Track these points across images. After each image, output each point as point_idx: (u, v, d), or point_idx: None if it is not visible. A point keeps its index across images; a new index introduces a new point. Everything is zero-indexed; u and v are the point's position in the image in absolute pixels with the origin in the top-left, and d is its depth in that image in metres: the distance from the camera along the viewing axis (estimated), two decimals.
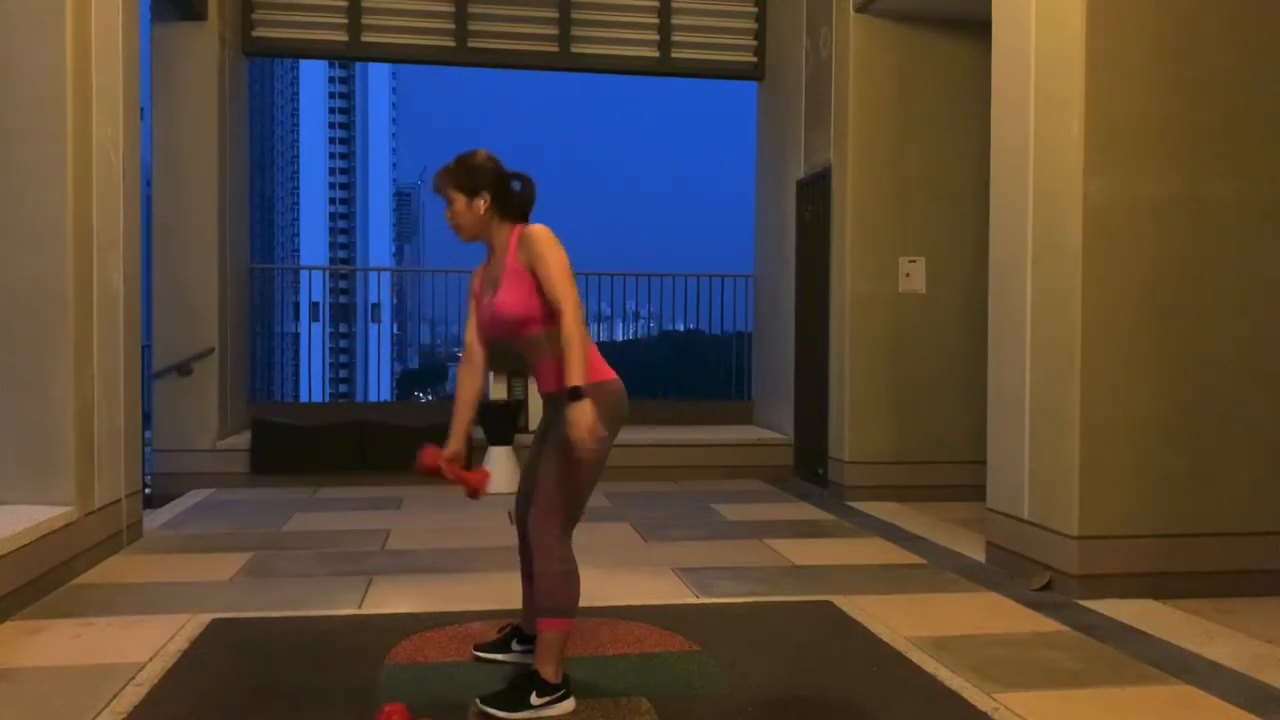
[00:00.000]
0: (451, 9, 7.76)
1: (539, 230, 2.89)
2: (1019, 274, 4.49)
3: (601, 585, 4.17)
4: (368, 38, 7.69)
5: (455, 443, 3.06)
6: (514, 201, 2.98)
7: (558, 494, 2.86)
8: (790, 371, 7.57)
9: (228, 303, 7.20)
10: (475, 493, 3.01)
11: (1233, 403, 4.20)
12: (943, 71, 6.51)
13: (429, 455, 2.99)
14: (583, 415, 2.69)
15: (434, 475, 3.01)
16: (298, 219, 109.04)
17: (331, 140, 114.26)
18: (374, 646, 3.36)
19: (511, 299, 2.87)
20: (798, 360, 7.45)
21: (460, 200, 2.94)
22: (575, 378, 2.73)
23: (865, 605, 3.94)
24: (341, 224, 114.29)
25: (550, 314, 2.84)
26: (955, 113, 6.46)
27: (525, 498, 3.07)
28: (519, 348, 2.97)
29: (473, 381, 3.13)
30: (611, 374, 2.95)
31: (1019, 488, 4.48)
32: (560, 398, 2.81)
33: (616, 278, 8.83)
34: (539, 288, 2.84)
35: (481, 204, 2.93)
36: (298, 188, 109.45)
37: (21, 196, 4.24)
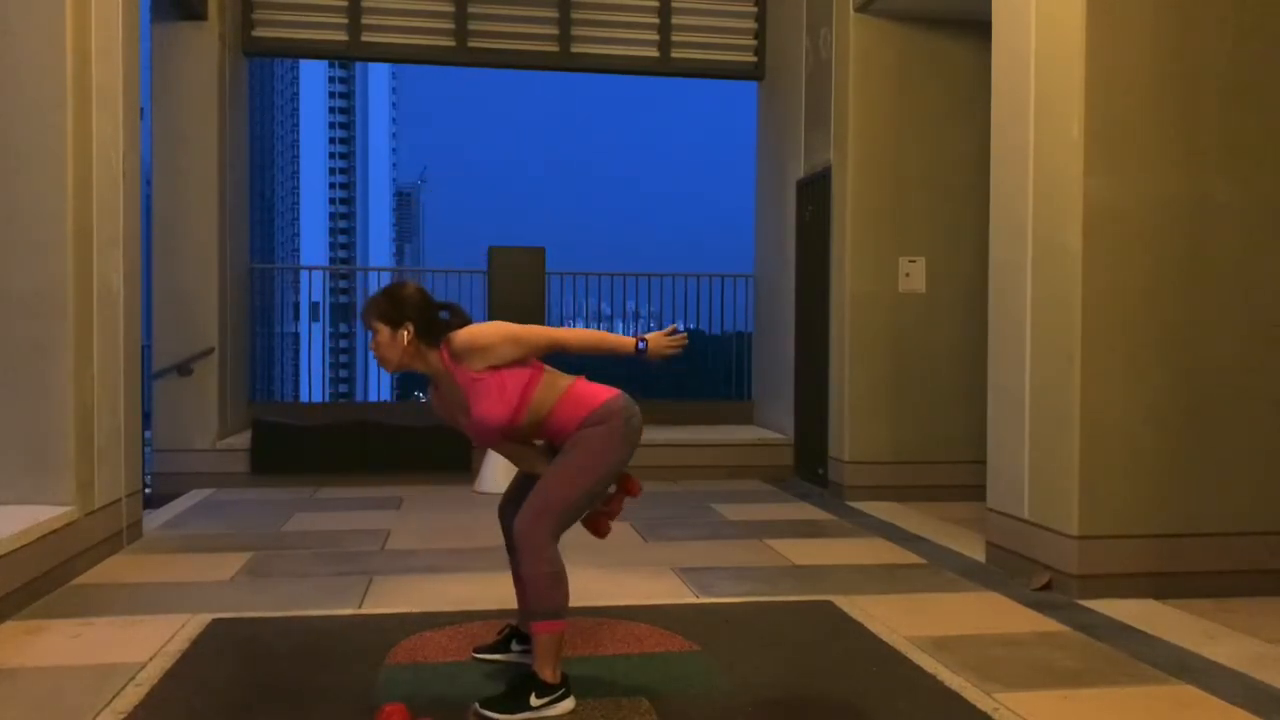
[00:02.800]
0: (451, 9, 7.76)
1: (464, 334, 2.87)
2: (1019, 274, 4.49)
3: (601, 585, 4.18)
4: (368, 38, 7.69)
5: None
6: (440, 330, 2.95)
7: (559, 498, 2.86)
8: (790, 371, 7.57)
9: (228, 303, 7.20)
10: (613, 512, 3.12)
11: (1233, 403, 4.20)
12: (943, 71, 6.51)
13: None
14: (659, 344, 2.97)
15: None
16: (298, 219, 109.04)
17: (331, 140, 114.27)
18: (374, 646, 3.36)
19: (489, 407, 2.87)
20: (798, 360, 7.45)
21: (384, 332, 2.93)
22: (621, 343, 2.96)
23: (865, 605, 3.94)
24: (341, 224, 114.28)
25: (526, 388, 2.87)
26: (955, 113, 6.46)
27: (513, 504, 3.07)
28: (523, 435, 3.00)
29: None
30: (609, 393, 2.96)
31: (1019, 488, 4.48)
32: (584, 424, 2.89)
33: (616, 278, 8.84)
34: (505, 375, 2.86)
35: (405, 335, 2.91)
36: (298, 188, 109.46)
37: (21, 196, 4.24)
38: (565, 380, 2.96)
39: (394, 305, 2.93)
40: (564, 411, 2.91)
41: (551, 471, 2.91)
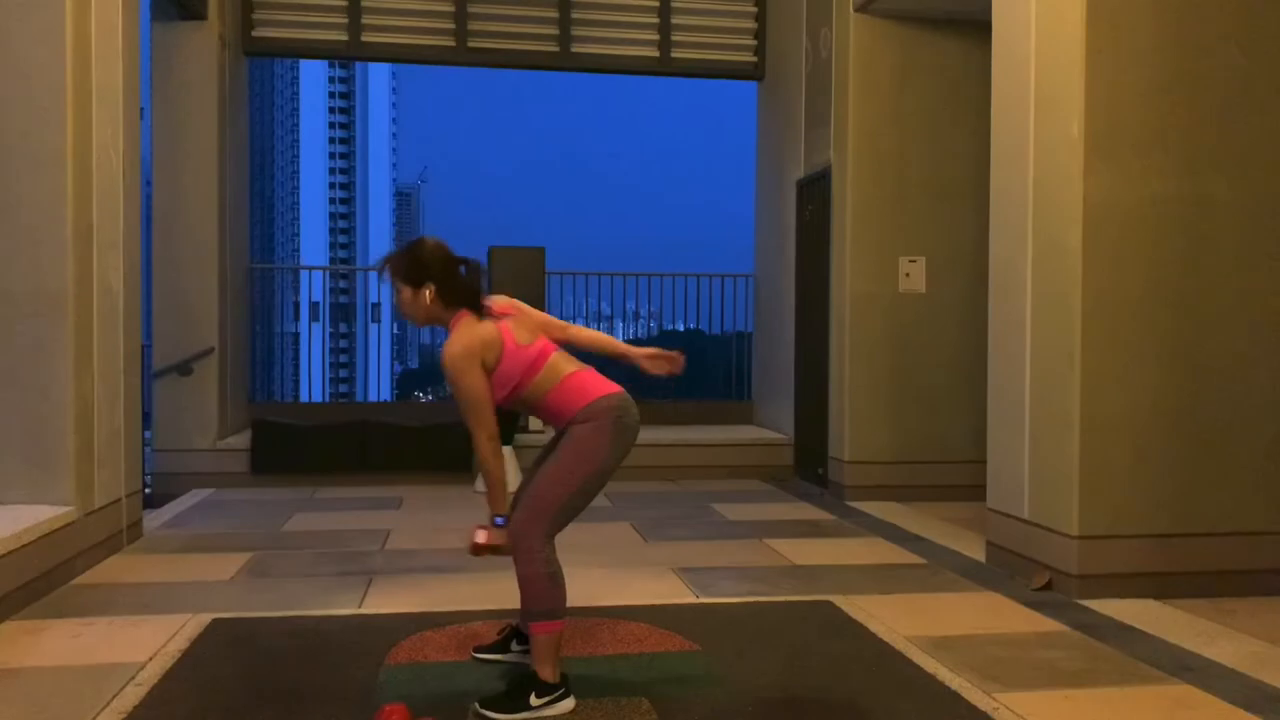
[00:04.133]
0: (451, 9, 7.76)
1: (447, 355, 2.85)
2: (1019, 274, 4.49)
3: (601, 585, 4.18)
4: (368, 38, 7.69)
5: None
6: (460, 288, 2.96)
7: (551, 498, 2.87)
8: (790, 371, 7.57)
9: (228, 303, 7.20)
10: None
11: (1233, 403, 4.20)
12: (943, 71, 6.51)
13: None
14: (495, 539, 2.87)
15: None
16: (298, 219, 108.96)
17: (331, 140, 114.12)
18: (374, 646, 3.37)
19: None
20: (798, 360, 7.45)
21: (406, 291, 2.97)
22: (495, 506, 2.87)
23: (865, 605, 3.94)
24: (341, 224, 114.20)
25: (526, 373, 2.89)
26: (955, 113, 6.46)
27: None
28: (526, 409, 3.03)
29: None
30: (609, 389, 2.94)
31: (1019, 488, 4.48)
32: (567, 428, 2.90)
33: (616, 278, 8.83)
34: (508, 360, 2.88)
35: (427, 294, 2.94)
36: (298, 188, 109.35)
37: (21, 197, 4.24)
38: (570, 368, 2.96)
39: (414, 265, 2.96)
40: (558, 399, 2.91)
41: (543, 472, 2.92)
